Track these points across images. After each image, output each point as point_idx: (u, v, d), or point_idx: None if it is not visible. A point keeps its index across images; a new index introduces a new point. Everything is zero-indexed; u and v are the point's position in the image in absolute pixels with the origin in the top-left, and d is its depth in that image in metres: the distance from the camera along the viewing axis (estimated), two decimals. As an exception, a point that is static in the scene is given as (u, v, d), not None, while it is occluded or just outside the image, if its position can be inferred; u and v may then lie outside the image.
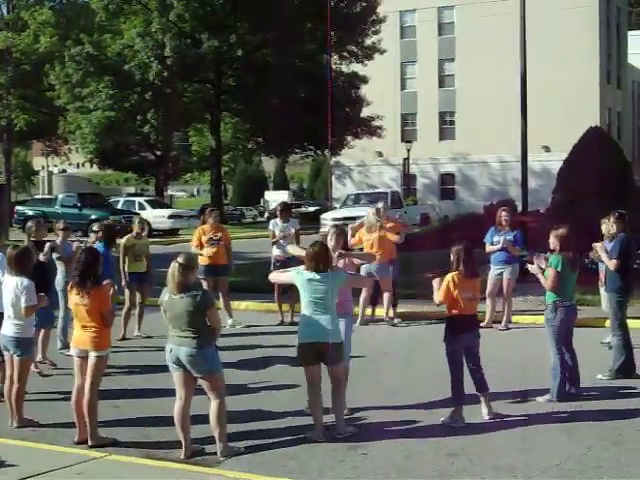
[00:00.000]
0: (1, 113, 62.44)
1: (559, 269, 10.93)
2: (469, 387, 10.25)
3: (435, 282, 10.25)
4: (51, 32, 61.40)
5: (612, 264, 12.30)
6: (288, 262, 14.78)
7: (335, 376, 9.64)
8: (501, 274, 16.41)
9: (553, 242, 11.25)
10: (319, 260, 9.55)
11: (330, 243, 10.47)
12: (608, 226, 13.07)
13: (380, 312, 17.49)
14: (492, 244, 16.50)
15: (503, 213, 16.61)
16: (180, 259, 8.88)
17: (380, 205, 17.66)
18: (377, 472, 8.49)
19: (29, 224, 14.56)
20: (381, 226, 16.82)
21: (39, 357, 13.38)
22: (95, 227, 15.82)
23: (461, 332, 10.14)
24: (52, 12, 63.67)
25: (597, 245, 12.95)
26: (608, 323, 13.25)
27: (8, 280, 10.45)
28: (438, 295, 10.19)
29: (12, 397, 10.32)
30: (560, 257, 11.01)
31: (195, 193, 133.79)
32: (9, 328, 10.36)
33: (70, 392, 9.86)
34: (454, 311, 10.14)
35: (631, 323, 12.89)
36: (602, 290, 13.86)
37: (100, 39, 56.96)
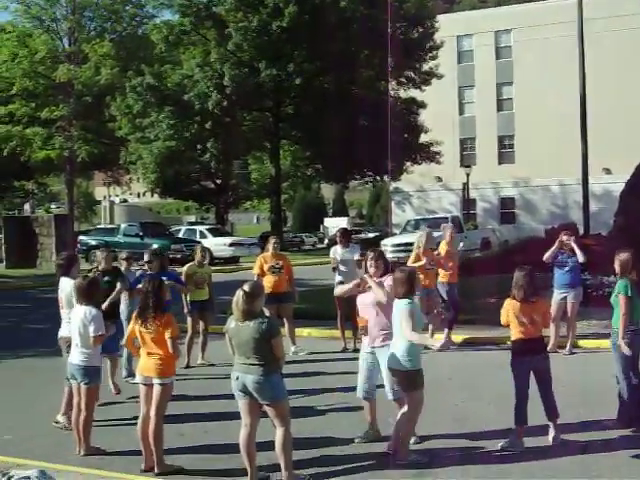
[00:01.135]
0: (63, 144, 63.39)
1: (629, 294, 10.80)
2: (535, 411, 10.17)
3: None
4: (112, 64, 62.39)
5: None
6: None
7: (410, 402, 9.74)
8: (565, 298, 16.24)
9: (617, 267, 11.15)
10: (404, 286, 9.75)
11: (370, 269, 10.57)
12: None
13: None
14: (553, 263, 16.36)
15: (565, 237, 16.45)
16: (245, 287, 8.93)
17: (428, 232, 17.80)
18: (443, 499, 8.47)
19: (98, 254, 14.72)
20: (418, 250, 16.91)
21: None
22: (146, 257, 15.59)
23: (523, 355, 10.13)
24: (112, 44, 64.74)
25: None
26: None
27: (77, 309, 10.61)
28: (502, 319, 10.34)
29: (79, 425, 10.43)
30: (626, 282, 10.90)
31: (255, 221, 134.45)
32: (76, 356, 10.49)
33: (136, 419, 9.96)
34: (515, 335, 10.19)
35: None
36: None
37: (160, 70, 57.63)
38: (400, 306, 9.74)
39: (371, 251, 10.92)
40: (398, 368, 9.70)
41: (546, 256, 16.28)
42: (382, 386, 10.40)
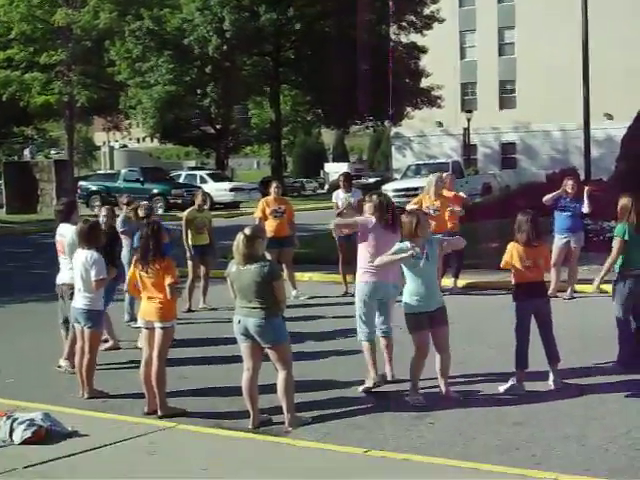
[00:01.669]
0: (63, 89, 63.00)
1: (626, 237, 10.86)
2: (535, 356, 10.22)
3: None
4: (110, 8, 61.76)
5: None
6: (353, 234, 14.75)
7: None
8: (566, 243, 16.22)
9: (618, 211, 11.20)
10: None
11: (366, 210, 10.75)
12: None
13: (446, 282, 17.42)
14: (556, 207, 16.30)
15: (570, 182, 16.38)
16: (247, 230, 8.94)
17: (439, 175, 17.59)
18: (444, 441, 8.52)
19: (103, 212, 14.48)
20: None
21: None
22: (141, 213, 15.48)
23: (524, 299, 10.16)
24: (111, -13, 64.07)
25: None
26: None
27: (78, 254, 10.64)
28: (504, 263, 10.34)
29: (83, 368, 10.52)
30: (625, 225, 10.94)
31: (255, 166, 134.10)
32: (79, 301, 10.55)
33: (138, 363, 10.02)
34: (519, 279, 10.20)
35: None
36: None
37: (159, 14, 57.17)
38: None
39: (372, 194, 10.97)
40: (404, 310, 9.91)
41: (546, 198, 16.21)
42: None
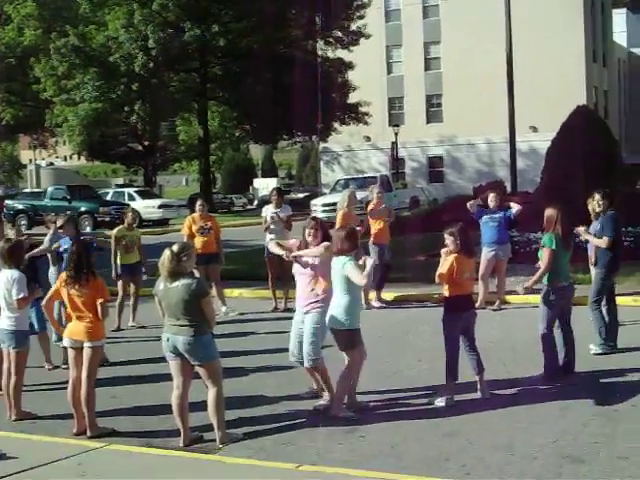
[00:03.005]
0: (-14, 107, 62.45)
1: (553, 247, 11.00)
2: (461, 368, 10.30)
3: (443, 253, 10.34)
4: (35, 25, 61.36)
5: (606, 242, 12.39)
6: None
7: (350, 361, 9.82)
8: (494, 255, 16.42)
9: (544, 223, 11.36)
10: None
11: (308, 237, 10.25)
12: (594, 205, 13.00)
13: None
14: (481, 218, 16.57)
15: (492, 194, 16.67)
16: (174, 247, 8.90)
17: (352, 190, 17.77)
18: (376, 454, 8.53)
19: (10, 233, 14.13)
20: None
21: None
22: (59, 222, 15.17)
23: (460, 312, 10.20)
24: (36, 5, 63.49)
25: (579, 230, 12.90)
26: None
27: (1, 274, 10.51)
28: (442, 275, 10.19)
29: (10, 390, 10.37)
30: (552, 236, 11.08)
31: (184, 183, 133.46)
32: (4, 321, 10.41)
33: (66, 383, 9.90)
34: (454, 291, 10.18)
35: (619, 300, 13.26)
36: (592, 269, 13.71)
37: (85, 31, 56.80)
38: (341, 262, 9.68)
39: (311, 219, 10.69)
40: (338, 327, 9.68)
41: (470, 203, 16.66)
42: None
